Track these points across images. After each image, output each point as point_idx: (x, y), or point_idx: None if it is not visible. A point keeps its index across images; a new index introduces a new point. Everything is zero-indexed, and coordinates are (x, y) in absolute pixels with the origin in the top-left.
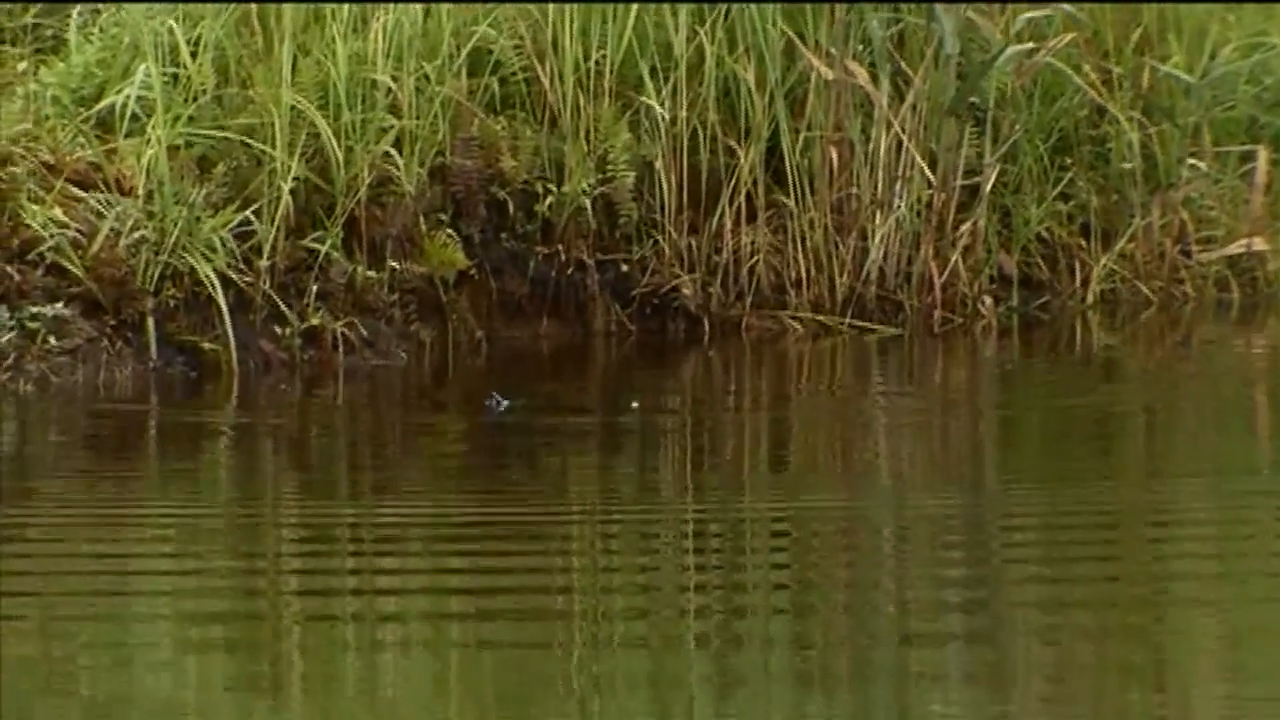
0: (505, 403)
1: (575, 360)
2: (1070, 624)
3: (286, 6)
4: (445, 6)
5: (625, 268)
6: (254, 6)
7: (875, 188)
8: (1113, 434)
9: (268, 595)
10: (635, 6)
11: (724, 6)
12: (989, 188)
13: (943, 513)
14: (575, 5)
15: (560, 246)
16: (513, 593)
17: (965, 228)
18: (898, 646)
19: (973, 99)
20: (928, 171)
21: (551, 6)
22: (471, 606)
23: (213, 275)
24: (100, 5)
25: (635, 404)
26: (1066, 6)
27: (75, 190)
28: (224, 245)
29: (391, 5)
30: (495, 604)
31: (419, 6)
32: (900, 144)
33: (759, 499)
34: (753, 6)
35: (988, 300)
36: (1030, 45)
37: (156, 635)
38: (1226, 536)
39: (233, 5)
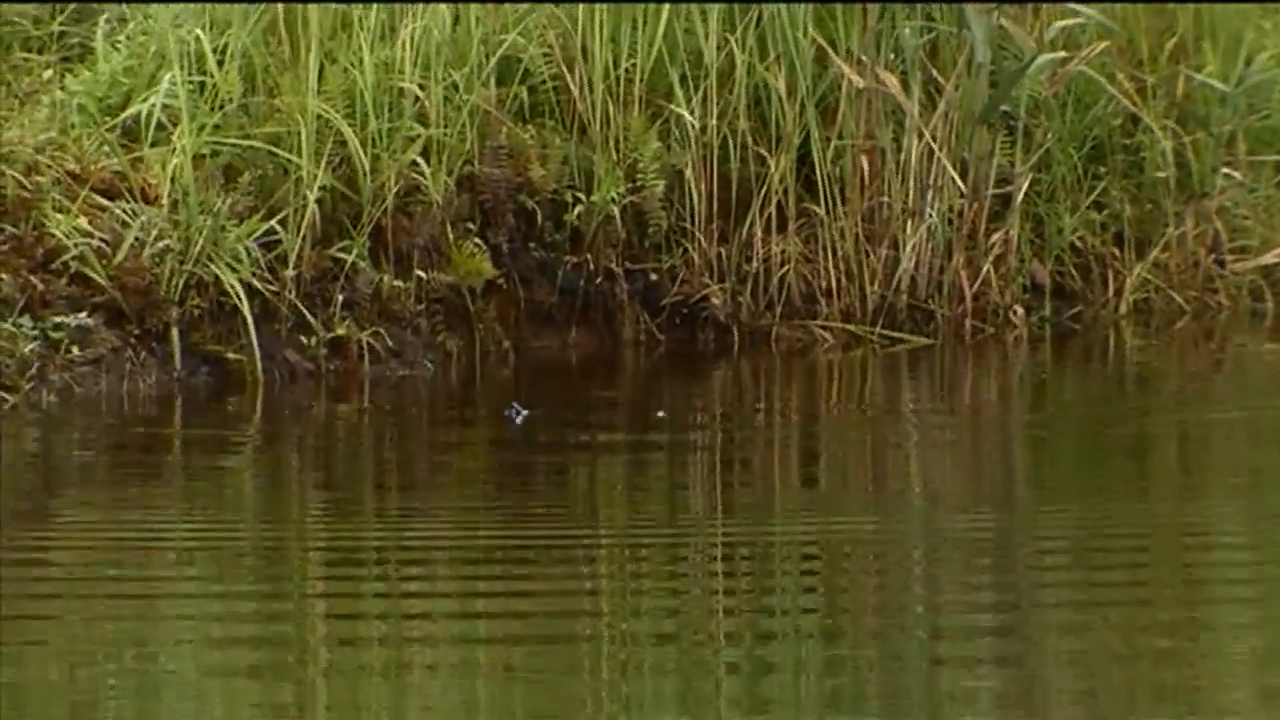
0: (525, 412)
1: (604, 370)
2: (1104, 680)
3: (313, 14)
4: (474, 14)
5: (654, 277)
6: (281, 14)
7: (906, 196)
8: (1146, 449)
9: (293, 637)
10: (665, 14)
11: (754, 14)
12: (1021, 196)
13: (974, 535)
14: (604, 13)
15: (589, 256)
16: (538, 630)
17: (997, 237)
18: (928, 700)
19: (1005, 107)
20: (958, 181)
21: (581, 13)
22: (499, 636)
23: (237, 285)
24: (127, 13)
25: (661, 414)
26: (1090, 10)
27: (100, 199)
28: (249, 255)
29: (420, 12)
30: (521, 633)
31: (448, 14)
32: (932, 152)
33: (789, 521)
34: (784, 14)
35: (1019, 310)
36: (1063, 54)
37: (181, 673)
38: (1263, 561)
39: (260, 12)
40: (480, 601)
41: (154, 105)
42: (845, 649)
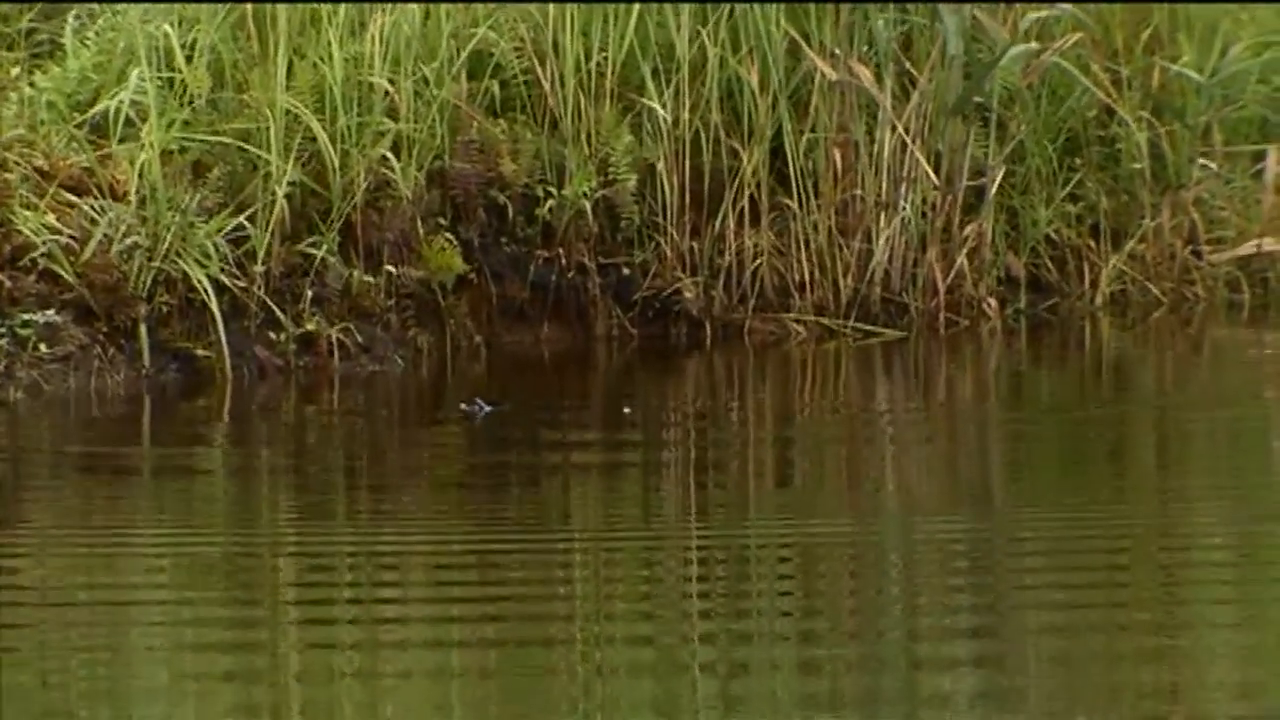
0: (486, 408)
1: (576, 365)
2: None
3: (282, 10)
4: (444, 9)
5: (627, 271)
6: (250, 10)
7: (880, 189)
8: (1125, 449)
9: (267, 647)
10: (637, 8)
11: (727, 7)
12: (995, 188)
13: (950, 538)
14: (575, 7)
15: (561, 250)
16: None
17: (971, 229)
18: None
19: (978, 99)
20: (931, 174)
21: (552, 8)
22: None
23: (206, 281)
24: (96, 10)
25: (628, 410)
26: (1066, 6)
27: (69, 196)
28: (217, 251)
29: (389, 8)
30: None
31: (417, 9)
32: (905, 145)
33: (763, 524)
34: (756, 7)
35: (993, 302)
36: (1035, 45)
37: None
38: (1245, 576)
39: (229, 9)
40: (454, 609)
41: (122, 101)
42: (825, 682)
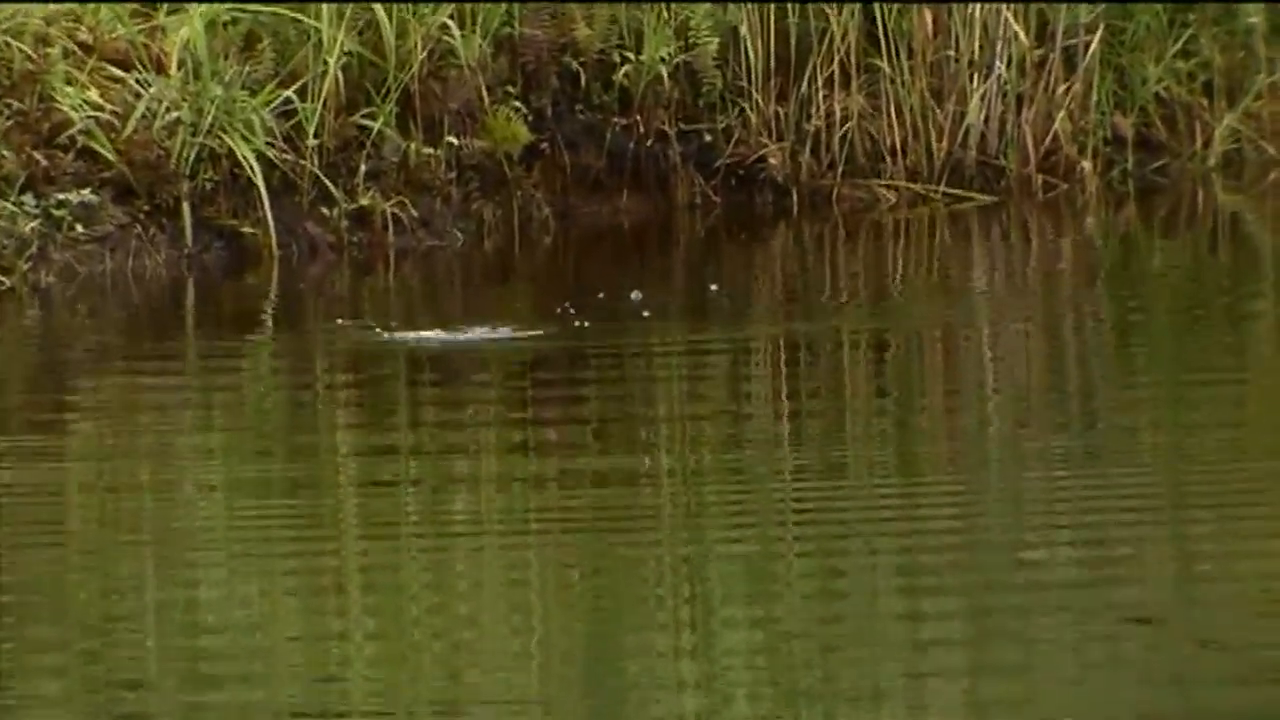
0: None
1: (657, 236)
2: None
3: None
4: None
5: (709, 138)
6: None
7: (974, 49)
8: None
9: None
10: None
11: None
12: (1095, 46)
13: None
14: None
15: (639, 117)
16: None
17: (1068, 88)
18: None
19: None
20: (1021, 34)
21: None
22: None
23: (251, 156)
24: None
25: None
26: None
27: (113, 70)
28: (263, 124)
29: None
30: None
31: None
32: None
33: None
34: None
35: (1087, 165)
36: None
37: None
38: None
39: None
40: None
41: None
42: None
